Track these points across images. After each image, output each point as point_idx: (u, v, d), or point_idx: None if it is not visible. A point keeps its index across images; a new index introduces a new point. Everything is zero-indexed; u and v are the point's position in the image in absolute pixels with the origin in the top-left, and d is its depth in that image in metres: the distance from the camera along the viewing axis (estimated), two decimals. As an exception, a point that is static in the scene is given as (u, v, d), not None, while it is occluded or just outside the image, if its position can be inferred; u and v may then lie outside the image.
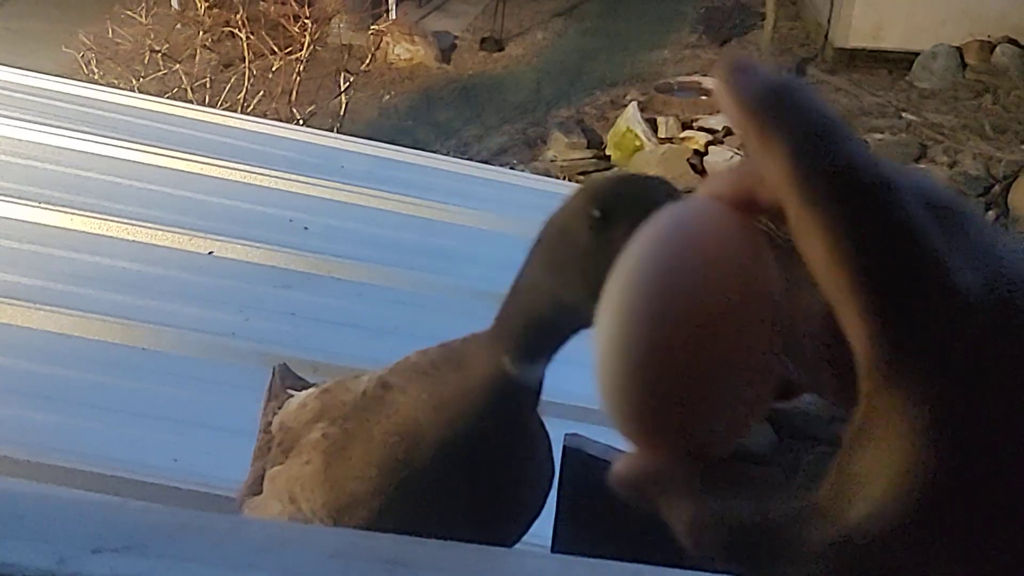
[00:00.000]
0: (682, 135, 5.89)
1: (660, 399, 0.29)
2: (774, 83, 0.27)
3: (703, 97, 6.43)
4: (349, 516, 0.85)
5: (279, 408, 1.11)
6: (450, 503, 0.84)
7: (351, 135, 3.78)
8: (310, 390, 1.07)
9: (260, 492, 1.04)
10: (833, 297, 0.26)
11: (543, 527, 1.42)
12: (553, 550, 1.35)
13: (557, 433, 1.44)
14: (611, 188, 0.69)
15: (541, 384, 0.81)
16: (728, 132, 5.92)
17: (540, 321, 0.75)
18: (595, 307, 0.78)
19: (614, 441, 1.34)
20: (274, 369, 1.27)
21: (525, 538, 1.45)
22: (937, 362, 0.24)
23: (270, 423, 1.11)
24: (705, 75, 6.85)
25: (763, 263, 0.30)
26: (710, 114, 6.19)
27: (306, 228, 2.40)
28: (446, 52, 7.49)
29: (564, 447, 1.30)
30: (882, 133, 5.99)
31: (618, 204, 0.67)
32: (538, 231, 0.75)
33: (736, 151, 5.69)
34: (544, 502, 0.97)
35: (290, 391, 1.18)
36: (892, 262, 0.25)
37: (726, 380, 0.29)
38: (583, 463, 1.30)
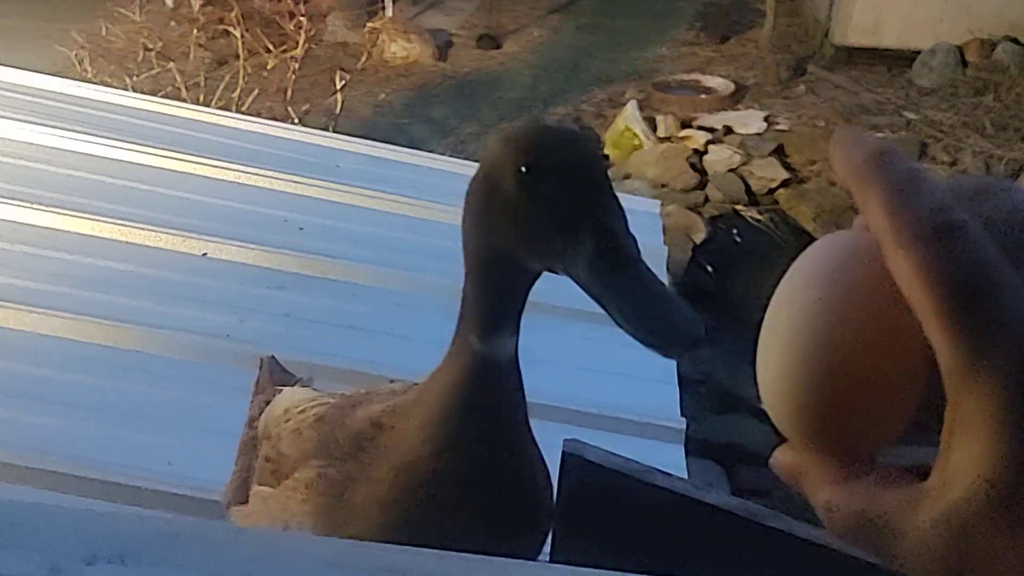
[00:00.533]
0: (681, 134, 5.87)
1: (823, 411, 0.34)
2: (873, 147, 0.34)
3: (702, 95, 6.41)
4: None
5: (266, 403, 1.09)
6: (461, 505, 0.82)
7: (347, 133, 3.76)
8: (296, 394, 1.06)
9: (246, 501, 1.02)
10: (923, 320, 0.31)
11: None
12: (552, 555, 1.34)
13: (556, 438, 1.43)
14: (535, 142, 0.70)
15: (516, 361, 0.80)
16: (728, 131, 5.91)
17: (487, 283, 0.76)
18: (529, 250, 0.76)
19: (613, 446, 1.32)
20: (262, 361, 1.25)
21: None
22: (1004, 364, 0.29)
23: (255, 419, 1.10)
24: (704, 73, 6.83)
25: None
26: (709, 112, 6.17)
27: (301, 228, 2.39)
28: (442, 49, 7.46)
29: (563, 452, 1.29)
30: (882, 131, 5.98)
31: (543, 159, 0.69)
32: (467, 191, 0.75)
33: (736, 150, 5.68)
34: (551, 497, 0.96)
35: (278, 387, 1.17)
36: (962, 286, 0.30)
37: (878, 397, 0.34)
38: (582, 468, 1.29)
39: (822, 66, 6.86)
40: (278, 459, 0.95)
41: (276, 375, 1.24)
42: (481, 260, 0.75)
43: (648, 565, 1.35)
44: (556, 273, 0.71)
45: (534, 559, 0.94)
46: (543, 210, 0.69)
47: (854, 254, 0.34)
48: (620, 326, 0.66)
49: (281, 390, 1.13)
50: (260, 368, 1.25)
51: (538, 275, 0.76)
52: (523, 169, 0.69)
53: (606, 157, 0.71)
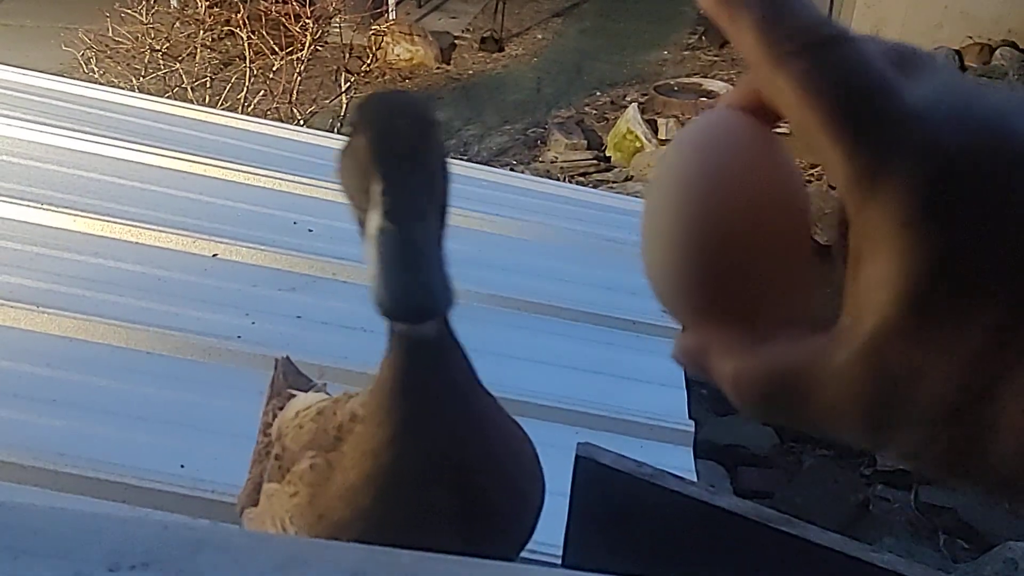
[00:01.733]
0: (682, 136, 5.87)
1: (709, 275, 0.33)
2: None
3: (703, 99, 6.42)
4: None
5: (280, 408, 1.10)
6: (425, 485, 0.81)
7: (352, 135, 3.76)
8: (309, 398, 1.06)
9: (257, 503, 1.03)
10: (811, 142, 0.29)
11: (554, 536, 1.41)
12: (564, 558, 1.34)
13: (569, 441, 1.44)
14: (359, 105, 0.73)
15: (443, 338, 0.79)
16: (728, 133, 5.91)
17: (376, 256, 0.74)
18: (359, 203, 0.76)
19: (621, 449, 1.32)
20: (276, 362, 1.25)
21: (536, 550, 1.44)
22: (909, 162, 0.27)
23: (270, 424, 1.10)
24: (705, 76, 6.84)
25: (783, 153, 0.35)
26: (710, 115, 6.18)
27: (310, 230, 2.39)
28: (446, 52, 7.47)
29: (576, 456, 1.29)
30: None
31: (361, 118, 0.71)
32: None
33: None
34: (536, 484, 0.94)
35: (292, 390, 1.17)
36: (854, 88, 0.28)
37: (772, 264, 0.33)
38: (595, 472, 1.29)
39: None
40: (282, 455, 0.96)
41: (290, 377, 1.24)
42: (364, 239, 0.76)
43: (660, 568, 1.36)
44: None
45: (526, 539, 0.94)
46: (350, 168, 0.71)
47: (731, 124, 0.34)
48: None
49: (295, 395, 1.13)
50: (275, 370, 1.26)
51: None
52: (347, 129, 0.72)
53: (426, 123, 0.71)
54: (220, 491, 1.50)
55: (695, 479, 1.73)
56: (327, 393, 1.15)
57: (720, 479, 3.43)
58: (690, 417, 1.94)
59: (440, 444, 0.79)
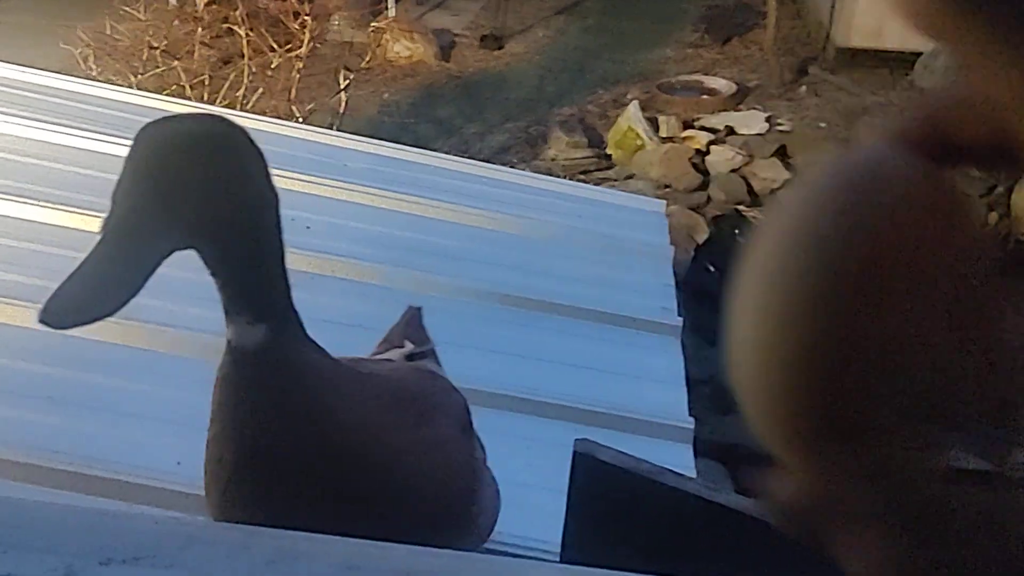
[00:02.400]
0: (684, 134, 5.86)
1: (831, 390, 0.23)
2: None
3: (704, 96, 6.41)
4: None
5: (376, 355, 1.10)
6: (245, 488, 0.83)
7: (351, 132, 3.76)
8: None
9: None
10: None
11: (552, 534, 1.40)
12: (562, 554, 1.34)
13: (563, 437, 1.42)
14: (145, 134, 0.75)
15: (280, 351, 0.80)
16: (730, 131, 5.91)
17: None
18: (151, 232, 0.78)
19: (621, 446, 1.31)
20: (409, 308, 1.23)
21: (534, 547, 1.43)
22: None
23: None
24: (707, 74, 6.83)
25: (971, 210, 0.25)
26: (712, 113, 6.17)
27: (308, 227, 2.38)
28: (446, 50, 7.46)
29: (574, 452, 1.29)
30: (883, 133, 5.97)
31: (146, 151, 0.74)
32: None
33: (738, 151, 5.68)
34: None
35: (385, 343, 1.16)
36: None
37: (922, 363, 0.23)
38: (593, 468, 1.28)
39: (825, 68, 6.86)
40: None
41: (410, 329, 1.20)
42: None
43: (659, 566, 1.35)
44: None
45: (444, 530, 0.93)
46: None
47: (900, 168, 0.25)
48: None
49: (406, 344, 1.12)
50: (402, 315, 1.22)
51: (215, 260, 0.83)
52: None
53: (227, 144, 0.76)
54: (216, 488, 1.49)
55: (695, 476, 1.72)
56: (434, 357, 1.14)
57: (722, 478, 3.43)
58: (690, 415, 1.94)
59: (249, 442, 0.80)
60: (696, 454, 3.41)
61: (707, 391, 3.86)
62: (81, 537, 0.77)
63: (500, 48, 7.62)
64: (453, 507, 0.91)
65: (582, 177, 5.54)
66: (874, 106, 6.36)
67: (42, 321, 0.69)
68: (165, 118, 0.76)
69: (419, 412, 0.92)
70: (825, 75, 6.77)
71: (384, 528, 0.86)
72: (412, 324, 1.20)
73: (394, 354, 1.11)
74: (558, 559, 1.34)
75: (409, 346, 1.14)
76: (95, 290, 0.68)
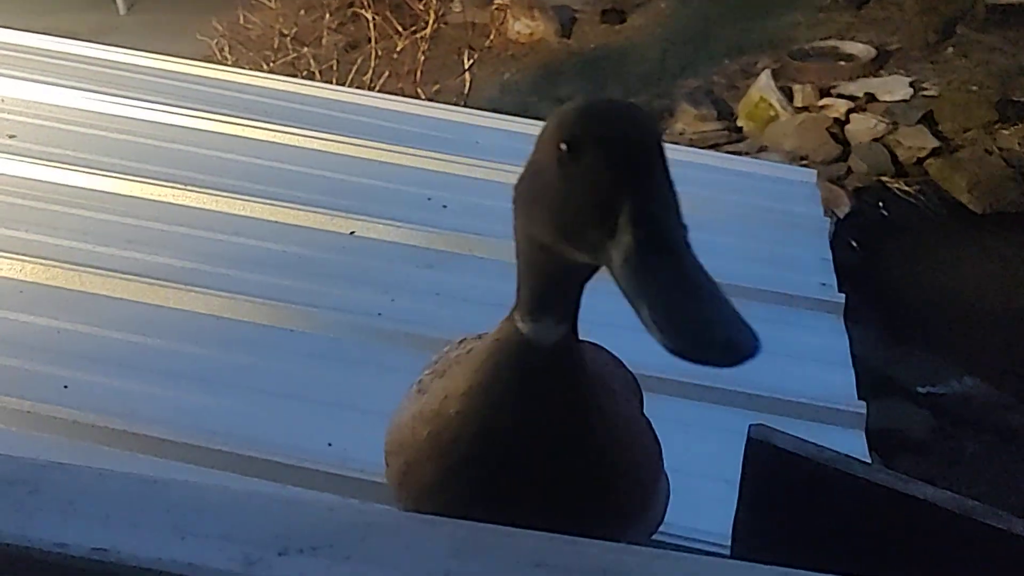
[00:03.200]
0: (820, 103, 5.58)
1: None
2: None
3: (841, 62, 6.08)
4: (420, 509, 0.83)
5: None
6: (497, 476, 0.77)
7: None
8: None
9: None
10: None
11: (717, 525, 1.31)
12: (733, 547, 1.25)
13: (733, 423, 1.33)
14: (578, 116, 0.63)
15: (570, 349, 0.74)
16: (870, 99, 5.58)
17: (533, 272, 0.72)
18: (567, 241, 0.63)
19: (804, 432, 1.20)
20: None
21: (700, 539, 1.34)
22: None
23: None
24: (842, 39, 6.48)
25: None
26: (850, 80, 5.84)
27: (445, 206, 2.35)
28: (566, 26, 7.35)
29: (748, 439, 1.19)
30: (1043, 94, 5.53)
31: (583, 134, 0.61)
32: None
33: (880, 119, 5.35)
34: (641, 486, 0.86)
35: None
36: None
37: None
38: (769, 455, 1.19)
39: (973, 27, 6.39)
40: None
41: None
42: (526, 249, 0.71)
43: (843, 562, 1.23)
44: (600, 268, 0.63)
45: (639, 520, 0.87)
46: (580, 192, 0.61)
47: None
48: (649, 330, 0.55)
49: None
50: None
51: (593, 270, 0.68)
52: (563, 146, 0.62)
53: (658, 134, 0.63)
54: (368, 471, 1.47)
55: (870, 463, 1.59)
56: None
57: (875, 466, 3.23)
58: (860, 397, 1.79)
59: (510, 447, 0.75)
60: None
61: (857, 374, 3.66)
62: (258, 524, 0.73)
63: (622, 22, 7.45)
64: (647, 490, 0.85)
65: (712, 151, 5.35)
66: (1030, 66, 5.89)
67: (716, 361, 0.55)
68: (599, 107, 0.66)
69: (618, 390, 0.87)
70: (975, 35, 6.31)
71: (594, 513, 0.82)
72: None
73: None
74: (727, 552, 1.26)
75: None
76: (724, 309, 0.58)
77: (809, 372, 1.75)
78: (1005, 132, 5.26)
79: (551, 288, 0.72)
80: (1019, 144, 5.18)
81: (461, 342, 0.97)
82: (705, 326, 0.54)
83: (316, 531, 0.74)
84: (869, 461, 1.68)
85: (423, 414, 0.81)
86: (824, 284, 2.02)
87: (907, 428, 3.36)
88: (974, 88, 5.69)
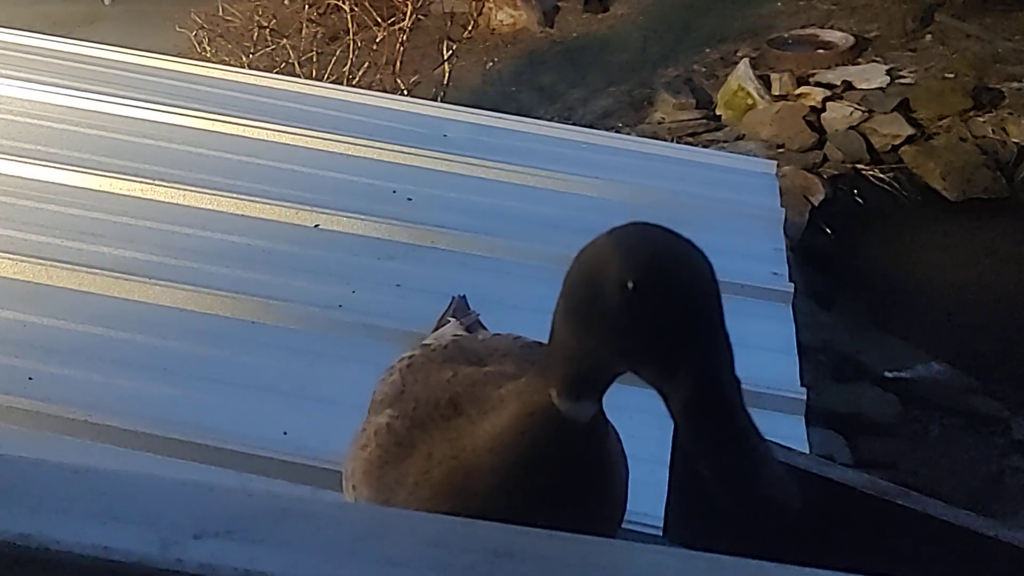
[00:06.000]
0: (797, 91, 5.62)
1: None
2: None
3: (819, 50, 6.11)
4: None
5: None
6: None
7: (455, 103, 3.75)
8: (443, 331, 1.06)
9: None
10: None
11: (651, 506, 1.36)
12: (665, 533, 1.30)
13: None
14: (645, 257, 0.66)
15: (599, 420, 0.77)
16: (847, 87, 5.62)
17: (579, 367, 0.73)
18: (625, 364, 0.68)
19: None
20: (453, 299, 1.28)
21: (634, 520, 1.39)
22: None
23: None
24: (822, 27, 6.51)
25: None
26: (828, 68, 5.88)
27: (409, 199, 2.39)
28: (549, 15, 7.36)
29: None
30: (1019, 81, 5.57)
31: (653, 279, 0.65)
32: (569, 267, 0.72)
33: (856, 107, 5.40)
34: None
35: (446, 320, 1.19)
36: None
37: None
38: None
39: (952, 14, 6.43)
40: (374, 398, 0.96)
41: (459, 313, 1.25)
42: (575, 347, 0.72)
43: (764, 544, 1.29)
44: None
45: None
46: (646, 332, 0.65)
47: None
48: (707, 477, 0.63)
49: (448, 321, 1.15)
50: (449, 305, 1.28)
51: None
52: (630, 285, 0.65)
53: (715, 279, 0.67)
54: (323, 458, 1.52)
55: (807, 450, 1.64)
56: (467, 329, 1.14)
57: (839, 449, 3.30)
58: (803, 384, 1.85)
59: (534, 514, 0.78)
60: (811, 424, 3.29)
61: (823, 358, 3.72)
62: (176, 510, 0.78)
63: (605, 11, 7.47)
64: (623, 510, 0.92)
65: (690, 139, 5.39)
66: (1008, 53, 5.93)
67: (757, 518, 0.64)
68: (656, 247, 0.69)
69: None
70: (953, 22, 6.35)
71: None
72: (459, 307, 1.24)
73: (452, 325, 1.13)
74: (659, 533, 1.31)
75: (453, 321, 1.18)
76: (769, 469, 0.65)
77: (754, 359, 1.80)
78: (979, 119, 5.31)
79: (596, 376, 0.74)
80: (993, 131, 5.24)
81: (409, 363, 0.95)
82: (752, 488, 0.62)
83: (233, 516, 0.79)
84: (806, 446, 1.74)
85: (436, 486, 0.81)
86: (776, 273, 2.07)
87: (874, 412, 3.43)
88: (950, 76, 5.73)
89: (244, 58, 4.74)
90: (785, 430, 1.65)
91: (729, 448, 0.62)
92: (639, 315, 0.65)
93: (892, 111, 5.36)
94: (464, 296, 1.28)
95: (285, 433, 1.59)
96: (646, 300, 0.64)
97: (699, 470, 0.64)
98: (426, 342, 1.01)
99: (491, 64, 6.64)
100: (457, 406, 0.84)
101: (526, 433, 0.77)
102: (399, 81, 4.92)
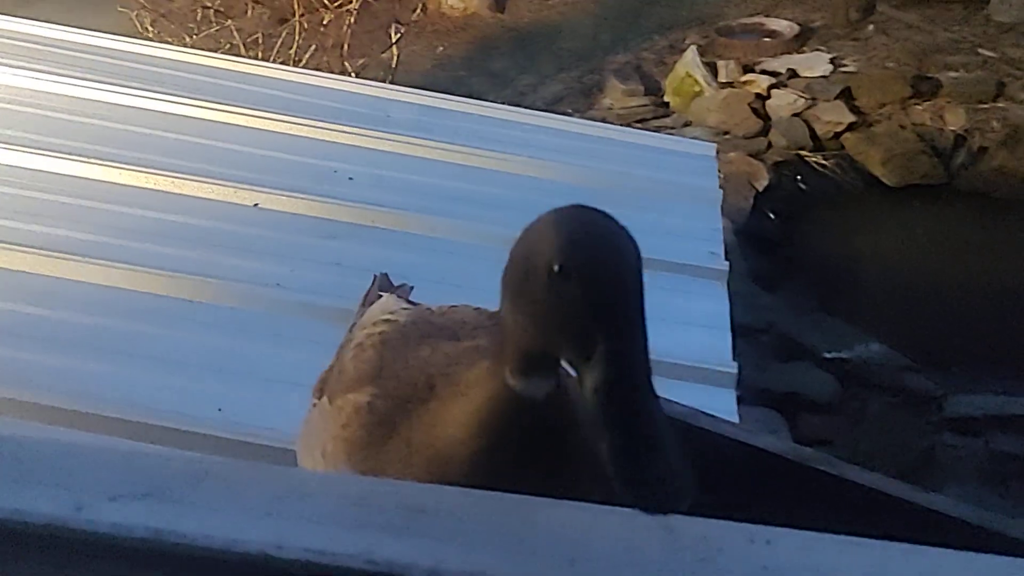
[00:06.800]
0: (743, 79, 5.69)
1: None
2: None
3: (765, 39, 6.20)
4: None
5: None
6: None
7: (403, 86, 3.73)
8: (386, 303, 1.06)
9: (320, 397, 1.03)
10: None
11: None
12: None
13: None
14: (571, 242, 0.68)
15: (561, 393, 0.78)
16: (792, 74, 5.71)
17: (520, 345, 0.74)
18: (550, 345, 0.70)
19: (663, 392, 1.29)
20: (375, 277, 1.28)
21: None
22: None
23: (354, 325, 1.11)
24: (768, 16, 6.60)
25: None
26: (773, 56, 5.97)
27: (351, 178, 2.38)
28: (500, 0, 7.35)
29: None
30: (957, 71, 5.71)
31: (574, 263, 0.66)
32: (511, 252, 0.73)
33: (800, 94, 5.49)
34: None
35: (379, 294, 1.19)
36: None
37: None
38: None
39: (894, 5, 6.57)
40: (340, 370, 0.95)
41: (384, 288, 1.25)
42: (514, 326, 0.74)
43: (693, 509, 1.32)
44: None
45: None
46: (566, 314, 0.67)
47: None
48: (603, 461, 0.64)
49: (381, 295, 1.15)
50: (372, 283, 1.28)
51: None
52: (555, 268, 0.67)
53: (639, 265, 0.69)
54: (257, 433, 1.52)
55: (737, 421, 1.68)
56: (408, 300, 1.15)
57: (780, 427, 3.37)
58: (739, 361, 1.89)
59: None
60: (754, 403, 3.36)
61: (765, 339, 3.79)
62: (91, 474, 0.78)
63: (556, -3, 7.48)
64: None
65: (639, 126, 5.43)
66: (947, 44, 6.07)
67: (647, 510, 0.63)
68: (584, 232, 0.70)
69: None
70: (895, 12, 6.48)
71: None
72: (383, 284, 1.25)
73: (391, 299, 1.12)
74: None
75: (388, 295, 1.18)
76: (675, 455, 0.65)
77: (690, 335, 1.84)
78: (918, 107, 5.44)
79: (538, 358, 0.75)
80: (931, 119, 5.37)
81: (383, 338, 0.95)
82: (643, 480, 0.63)
83: (151, 479, 0.79)
84: (736, 417, 1.78)
85: (418, 476, 0.83)
86: (712, 253, 2.11)
87: (813, 391, 3.51)
88: (891, 65, 5.85)
89: (188, 39, 4.66)
90: (717, 403, 1.68)
91: (628, 434, 0.63)
92: (561, 298, 0.67)
93: (835, 99, 5.46)
94: (386, 273, 1.28)
95: (220, 410, 1.59)
96: (568, 284, 0.66)
97: (598, 453, 0.64)
98: (386, 317, 1.00)
99: (441, 49, 6.62)
100: (433, 387, 0.85)
101: (490, 418, 0.78)
102: (346, 64, 4.88)
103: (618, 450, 0.63)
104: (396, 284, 1.27)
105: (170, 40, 4.59)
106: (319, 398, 1.03)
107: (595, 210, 0.73)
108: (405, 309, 1.02)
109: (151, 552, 0.73)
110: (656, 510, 0.63)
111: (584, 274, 0.66)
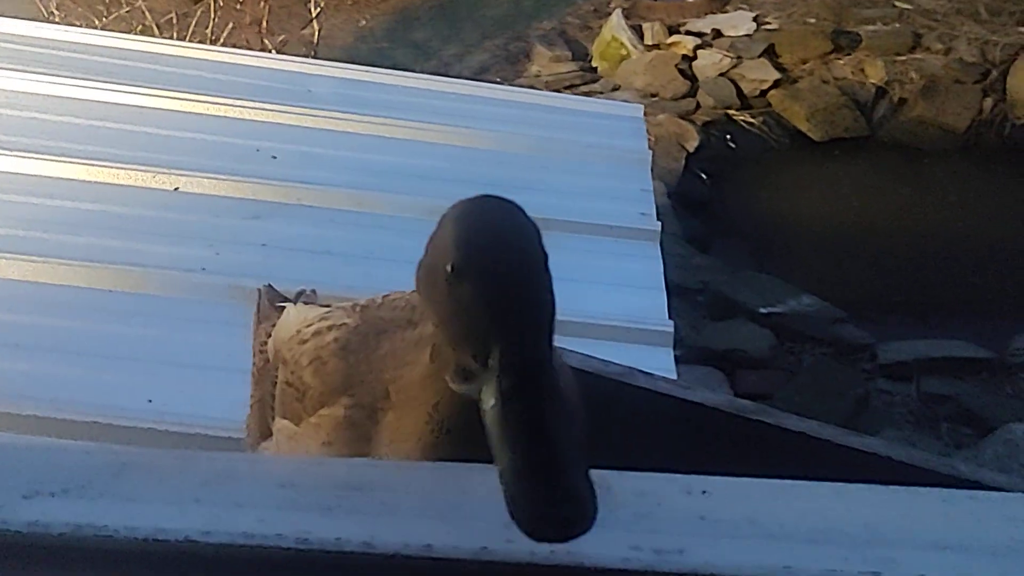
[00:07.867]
0: (669, 40, 5.71)
1: None
2: None
3: (689, 0, 6.23)
4: None
5: (272, 327, 1.06)
6: None
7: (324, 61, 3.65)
8: (305, 313, 1.01)
9: (271, 434, 0.98)
10: None
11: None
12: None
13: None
14: (467, 241, 0.65)
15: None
16: (717, 34, 5.75)
17: (444, 346, 0.71)
18: (453, 346, 0.66)
19: (602, 354, 1.27)
20: (260, 291, 1.22)
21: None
22: None
23: (264, 345, 1.06)
24: (689, -24, 6.62)
25: None
26: (698, 16, 6.00)
27: (274, 157, 2.32)
28: (421, -29, 7.24)
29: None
30: (874, 24, 5.81)
31: (468, 265, 0.63)
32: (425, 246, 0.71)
33: (725, 54, 5.53)
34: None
35: (281, 304, 1.14)
36: None
37: None
38: (564, 375, 1.25)
39: (812, -39, 6.64)
40: (303, 389, 0.90)
41: (276, 301, 1.20)
42: (434, 326, 0.71)
43: (632, 463, 1.33)
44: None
45: None
46: (462, 316, 0.64)
47: None
48: (500, 481, 0.60)
49: (284, 306, 1.10)
50: (259, 298, 1.21)
51: None
52: (449, 268, 0.64)
53: (540, 262, 0.65)
54: (188, 423, 1.48)
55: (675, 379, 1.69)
56: (319, 304, 1.11)
57: (719, 384, 3.42)
58: (676, 320, 1.90)
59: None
60: (693, 361, 3.40)
61: (700, 299, 3.83)
62: (5, 473, 0.74)
63: (477, -35, 7.39)
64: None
65: (567, 92, 5.41)
66: (863, -2, 6.17)
67: (544, 539, 0.57)
68: (485, 228, 0.67)
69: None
70: (812, -31, 6.56)
71: None
72: (275, 298, 1.19)
73: (304, 308, 1.08)
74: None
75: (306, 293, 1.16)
76: (577, 473, 0.59)
77: (625, 296, 1.84)
78: (839, 62, 5.53)
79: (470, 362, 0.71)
80: (852, 73, 5.46)
81: (343, 344, 0.90)
82: (532, 507, 0.57)
83: (69, 474, 0.75)
84: (676, 375, 1.79)
85: None
86: (643, 214, 2.11)
87: (750, 347, 3.56)
88: (811, 20, 5.93)
89: (96, 22, 4.49)
90: (655, 362, 1.69)
91: (524, 457, 0.58)
92: (458, 300, 0.64)
93: (759, 57, 5.52)
94: (271, 284, 1.22)
95: (150, 401, 1.54)
96: (462, 285, 0.63)
97: (497, 470, 0.60)
98: (331, 323, 0.95)
99: (363, 22, 6.49)
100: (388, 396, 0.82)
101: (440, 425, 0.76)
102: (266, 42, 4.76)
103: (511, 475, 0.58)
104: (297, 290, 1.20)
105: (78, 24, 4.42)
106: (268, 433, 0.99)
107: (499, 202, 0.69)
108: (341, 310, 0.98)
109: (71, 548, 0.70)
110: (551, 539, 0.58)
111: (477, 274, 0.63)
